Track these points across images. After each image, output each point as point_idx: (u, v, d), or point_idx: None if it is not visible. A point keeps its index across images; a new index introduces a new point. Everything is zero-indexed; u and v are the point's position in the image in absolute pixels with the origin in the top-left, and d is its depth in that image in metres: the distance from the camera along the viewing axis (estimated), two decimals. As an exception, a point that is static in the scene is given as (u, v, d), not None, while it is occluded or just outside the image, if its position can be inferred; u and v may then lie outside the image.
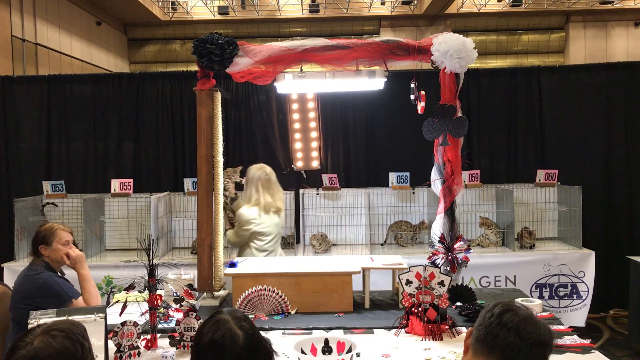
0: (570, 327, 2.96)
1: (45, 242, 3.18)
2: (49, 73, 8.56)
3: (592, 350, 2.57)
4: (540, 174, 5.43)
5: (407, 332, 2.87)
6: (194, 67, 3.67)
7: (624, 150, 5.84)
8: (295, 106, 5.78)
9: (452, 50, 3.28)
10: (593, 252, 5.04)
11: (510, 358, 1.54)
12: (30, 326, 2.36)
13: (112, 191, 5.27)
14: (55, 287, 3.07)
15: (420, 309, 2.84)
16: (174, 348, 2.63)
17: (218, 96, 3.55)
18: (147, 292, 2.72)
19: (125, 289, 2.73)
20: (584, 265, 5.04)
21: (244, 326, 1.66)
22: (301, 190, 5.44)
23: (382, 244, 5.36)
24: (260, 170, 4.27)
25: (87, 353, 1.67)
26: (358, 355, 2.45)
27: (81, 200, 5.23)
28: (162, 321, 2.84)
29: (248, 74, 3.57)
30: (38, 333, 1.63)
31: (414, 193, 5.50)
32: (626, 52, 11.75)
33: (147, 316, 2.72)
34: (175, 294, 2.77)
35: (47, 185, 5.36)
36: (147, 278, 2.71)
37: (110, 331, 2.53)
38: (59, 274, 3.21)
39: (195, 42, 3.38)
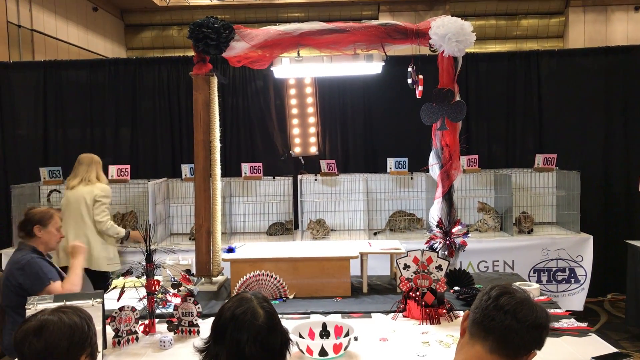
0: (567, 311, 2.98)
1: (42, 224, 3.23)
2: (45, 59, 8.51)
3: (589, 334, 2.58)
4: (539, 159, 5.42)
5: (404, 316, 2.87)
6: (191, 53, 3.64)
7: (622, 134, 5.83)
8: (292, 92, 5.75)
9: (451, 34, 3.25)
10: (591, 237, 5.05)
11: (506, 340, 1.53)
12: (27, 311, 2.36)
13: (110, 177, 5.25)
14: (35, 267, 3.12)
15: (418, 293, 2.85)
16: (172, 333, 2.63)
17: (214, 81, 3.53)
18: (144, 277, 2.72)
19: (122, 275, 2.73)
20: (582, 250, 5.04)
21: (265, 306, 1.71)
22: (299, 176, 5.43)
23: (375, 234, 5.34)
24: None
25: (92, 334, 1.75)
26: (356, 339, 2.46)
27: (79, 186, 5.20)
28: (160, 306, 2.84)
29: (244, 59, 3.54)
30: (49, 310, 1.73)
31: (412, 178, 5.49)
32: (626, 36, 11.66)
33: (145, 301, 2.72)
34: (173, 280, 2.77)
35: (44, 172, 5.34)
36: (144, 263, 2.71)
37: (108, 316, 2.53)
38: (46, 257, 3.27)
39: (191, 26, 3.36)
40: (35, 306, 2.40)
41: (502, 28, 12.22)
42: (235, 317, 1.65)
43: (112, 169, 5.27)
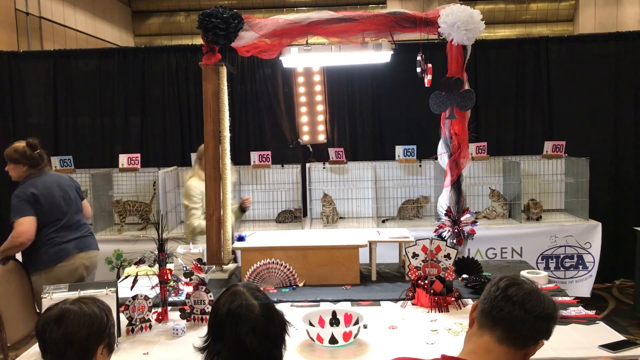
0: (575, 297, 2.99)
1: None
2: (54, 47, 8.53)
3: (597, 321, 2.60)
4: (548, 146, 5.41)
5: (413, 304, 2.91)
6: (199, 40, 3.65)
7: (632, 121, 5.79)
8: (301, 79, 5.74)
9: (460, 22, 3.25)
10: (600, 224, 5.04)
11: (514, 331, 1.56)
12: (43, 300, 2.42)
13: (120, 166, 5.30)
14: None
15: (426, 281, 2.88)
16: (185, 321, 2.68)
17: (224, 71, 3.54)
18: (157, 266, 2.76)
19: (135, 263, 2.77)
20: (591, 237, 5.04)
21: (259, 296, 1.73)
22: (307, 164, 5.45)
23: (383, 221, 5.37)
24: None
25: (111, 325, 1.82)
26: (365, 327, 2.50)
27: (89, 175, 5.26)
28: (173, 295, 2.89)
29: (253, 48, 3.55)
30: (70, 300, 1.80)
31: (420, 166, 5.49)
32: (637, 20, 11.51)
33: (158, 290, 2.77)
34: (184, 268, 2.81)
35: (55, 161, 5.39)
36: (157, 252, 2.75)
37: (121, 305, 2.58)
38: None
39: (200, 16, 3.37)
40: (51, 295, 2.45)
41: (512, 12, 12.11)
42: (231, 312, 1.67)
43: (123, 158, 5.30)
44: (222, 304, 1.71)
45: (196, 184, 4.28)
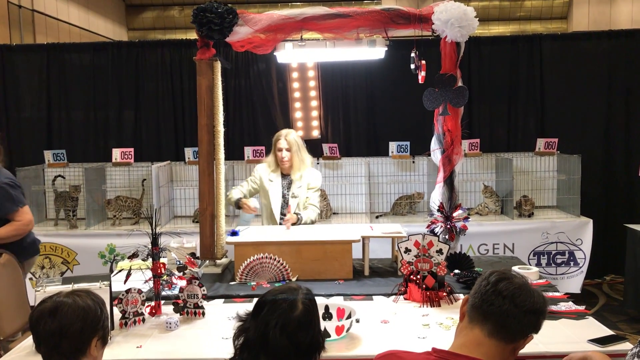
0: (566, 293, 3.02)
1: None
2: (47, 40, 8.48)
3: (587, 317, 2.63)
4: (540, 143, 5.45)
5: (405, 299, 2.93)
6: (193, 34, 3.65)
7: (624, 119, 5.83)
8: (295, 75, 5.74)
9: (453, 19, 3.26)
10: (591, 220, 5.09)
11: (504, 325, 1.58)
12: (37, 293, 2.42)
13: (114, 160, 5.30)
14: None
15: (418, 276, 2.90)
16: (178, 314, 2.69)
17: (218, 66, 3.55)
18: (150, 260, 2.77)
19: (128, 258, 2.78)
20: (582, 233, 5.09)
21: (306, 303, 1.71)
22: (301, 160, 5.44)
23: (377, 217, 5.40)
24: None
25: (105, 318, 1.83)
26: (357, 321, 2.51)
27: (83, 169, 5.25)
28: (166, 288, 2.90)
29: (248, 43, 3.55)
30: (64, 293, 1.81)
31: (414, 162, 5.52)
32: (631, 17, 11.56)
33: (151, 284, 2.78)
34: (178, 263, 2.82)
35: (48, 155, 5.37)
36: (150, 247, 2.76)
37: (115, 298, 2.58)
38: None
39: (194, 11, 3.36)
40: (45, 288, 2.45)
41: (506, 9, 12.14)
42: (275, 301, 1.68)
43: (116, 152, 5.30)
44: (275, 290, 1.74)
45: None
